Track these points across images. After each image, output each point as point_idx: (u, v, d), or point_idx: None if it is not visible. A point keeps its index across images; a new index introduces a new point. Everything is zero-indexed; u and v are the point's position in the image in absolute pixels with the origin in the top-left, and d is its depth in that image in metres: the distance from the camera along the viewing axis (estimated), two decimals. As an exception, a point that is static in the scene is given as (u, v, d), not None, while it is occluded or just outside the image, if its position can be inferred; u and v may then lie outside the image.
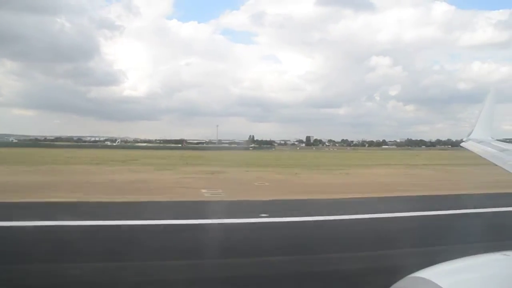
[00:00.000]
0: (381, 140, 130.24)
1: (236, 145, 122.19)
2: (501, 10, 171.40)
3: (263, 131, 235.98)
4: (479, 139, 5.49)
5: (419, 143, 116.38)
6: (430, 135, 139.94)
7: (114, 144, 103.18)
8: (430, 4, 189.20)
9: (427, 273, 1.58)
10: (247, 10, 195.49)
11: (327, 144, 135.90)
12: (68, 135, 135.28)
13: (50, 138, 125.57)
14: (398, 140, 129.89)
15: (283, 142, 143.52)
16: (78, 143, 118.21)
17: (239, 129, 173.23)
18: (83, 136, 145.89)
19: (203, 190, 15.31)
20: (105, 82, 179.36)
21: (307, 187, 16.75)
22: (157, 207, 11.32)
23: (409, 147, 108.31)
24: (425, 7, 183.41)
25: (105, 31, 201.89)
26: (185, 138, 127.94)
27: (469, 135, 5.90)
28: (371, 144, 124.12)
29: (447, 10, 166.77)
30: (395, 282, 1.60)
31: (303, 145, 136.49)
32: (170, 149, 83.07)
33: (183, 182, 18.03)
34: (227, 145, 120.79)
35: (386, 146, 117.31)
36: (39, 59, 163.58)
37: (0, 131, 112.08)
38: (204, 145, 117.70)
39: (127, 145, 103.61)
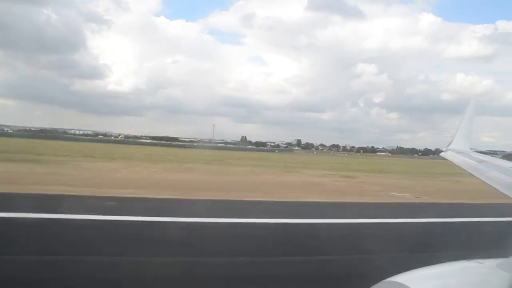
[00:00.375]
0: (370, 147, 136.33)
1: (232, 146, 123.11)
2: (485, 25, 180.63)
3: (247, 132, 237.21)
4: (458, 150, 5.63)
5: (411, 151, 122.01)
6: (412, 143, 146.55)
7: (118, 139, 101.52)
8: (417, 15, 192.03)
9: (403, 278, 1.61)
10: (236, 11, 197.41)
11: (320, 148, 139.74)
12: (50, 126, 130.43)
13: (35, 129, 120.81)
14: (385, 147, 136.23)
15: (273, 144, 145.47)
16: (65, 135, 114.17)
17: (223, 129, 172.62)
18: (68, 129, 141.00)
19: (394, 193, 17.81)
20: (89, 76, 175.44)
21: (463, 193, 19.36)
22: (434, 208, 13.64)
23: (403, 155, 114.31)
24: (413, 17, 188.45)
25: (92, 24, 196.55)
26: (173, 136, 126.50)
27: (448, 145, 6.03)
28: (365, 150, 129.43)
29: (434, 21, 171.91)
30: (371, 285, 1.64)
31: (296, 148, 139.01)
32: (178, 147, 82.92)
33: (347, 185, 20.29)
34: (223, 145, 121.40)
35: (382, 153, 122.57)
36: (22, 48, 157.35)
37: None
38: (199, 144, 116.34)
39: (130, 140, 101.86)
